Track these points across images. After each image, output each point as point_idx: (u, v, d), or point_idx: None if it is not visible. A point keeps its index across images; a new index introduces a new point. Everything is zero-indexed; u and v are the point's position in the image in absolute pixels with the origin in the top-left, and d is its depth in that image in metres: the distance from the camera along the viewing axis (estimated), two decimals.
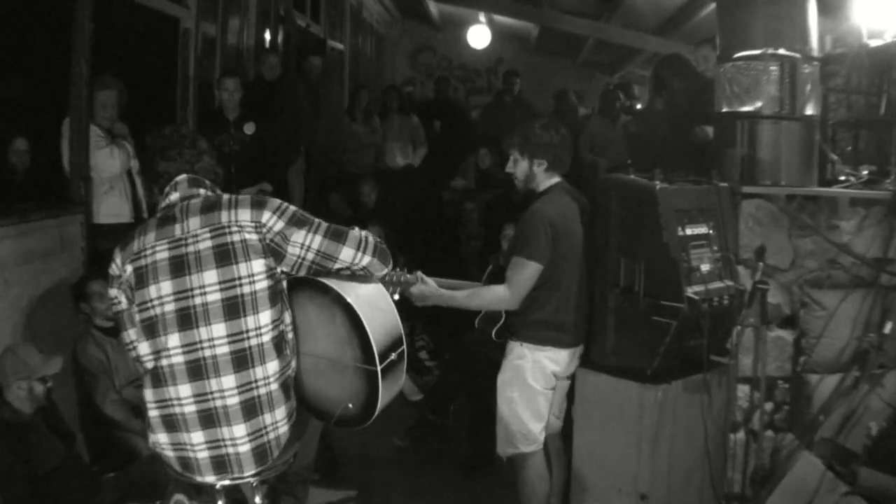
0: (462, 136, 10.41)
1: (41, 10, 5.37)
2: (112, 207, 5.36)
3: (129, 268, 3.02)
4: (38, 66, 5.44)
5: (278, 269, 3.00)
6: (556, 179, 4.18)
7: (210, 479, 3.00)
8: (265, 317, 2.96)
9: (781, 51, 4.35)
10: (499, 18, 14.01)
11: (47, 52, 5.31)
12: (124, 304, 3.07)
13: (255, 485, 3.12)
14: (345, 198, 8.71)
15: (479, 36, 14.89)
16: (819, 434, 4.41)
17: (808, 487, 4.16)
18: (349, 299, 3.01)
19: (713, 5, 5.29)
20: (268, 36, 8.76)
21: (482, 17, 14.55)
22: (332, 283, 3.05)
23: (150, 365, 3.01)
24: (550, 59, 15.36)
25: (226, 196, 3.09)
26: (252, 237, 2.96)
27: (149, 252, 3.00)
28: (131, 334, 3.07)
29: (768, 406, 4.42)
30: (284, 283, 3.06)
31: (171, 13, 6.59)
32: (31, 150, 5.52)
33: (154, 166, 3.20)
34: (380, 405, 3.06)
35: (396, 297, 3.87)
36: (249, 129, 6.65)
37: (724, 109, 4.52)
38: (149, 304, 2.98)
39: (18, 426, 3.90)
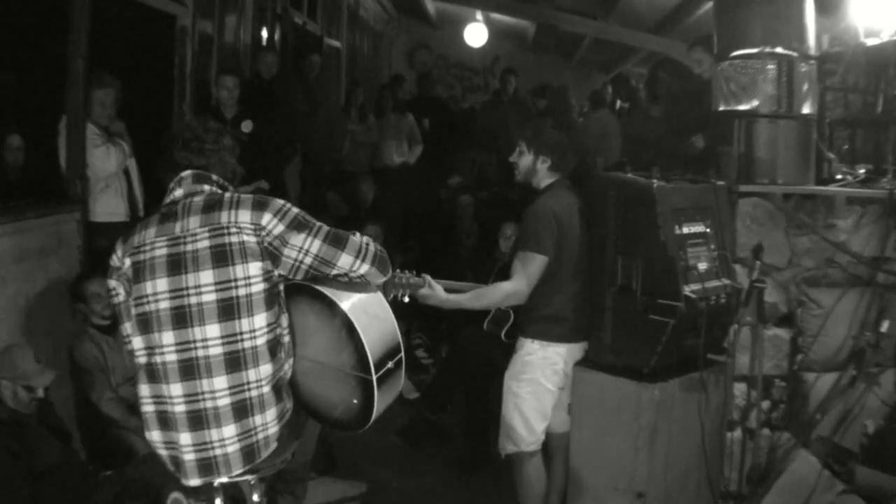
0: (450, 133, 10.40)
1: (38, 7, 5.37)
2: (108, 206, 5.36)
3: (128, 261, 3.02)
4: (35, 63, 5.44)
5: (275, 273, 2.98)
6: (557, 177, 4.19)
7: (194, 482, 2.99)
8: (260, 320, 2.94)
9: (779, 49, 4.35)
10: (496, 17, 14.01)
11: (44, 49, 5.30)
12: (122, 295, 3.07)
13: (252, 483, 3.12)
14: (342, 196, 8.70)
15: (476, 34, 14.88)
16: (816, 432, 4.42)
17: (804, 486, 4.16)
18: (344, 307, 3.00)
19: (710, 4, 5.30)
20: (265, 34, 8.74)
21: (479, 16, 14.54)
22: (328, 291, 3.03)
23: (143, 360, 3.00)
24: (547, 57, 15.36)
25: (227, 195, 3.06)
26: (250, 240, 2.93)
27: (147, 247, 3.00)
28: (128, 328, 3.07)
29: (765, 404, 4.43)
30: (282, 287, 3.05)
31: (167, 11, 6.58)
32: (28, 147, 5.52)
33: (173, 155, 3.17)
34: (375, 413, 3.05)
35: (406, 299, 3.86)
36: (247, 127, 6.63)
37: (722, 108, 4.52)
38: (144, 300, 2.98)
39: (14, 424, 3.90)
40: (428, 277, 3.99)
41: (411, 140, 9.77)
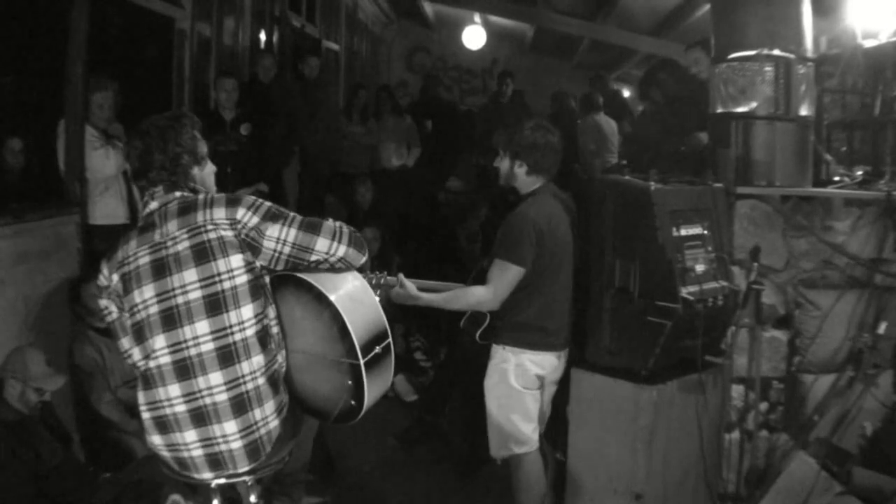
0: (454, 135, 10.40)
1: (37, 10, 5.38)
2: (107, 208, 5.36)
3: (116, 276, 3.05)
4: (34, 66, 5.44)
5: (257, 264, 3.01)
6: (541, 182, 4.16)
7: (207, 475, 3.01)
8: (247, 311, 2.97)
9: (776, 51, 4.35)
10: (494, 19, 14.01)
11: (43, 52, 5.31)
12: (115, 313, 3.09)
13: (249, 484, 3.12)
14: (340, 198, 8.70)
15: (474, 36, 14.89)
16: (814, 434, 4.42)
17: (802, 487, 4.17)
18: (330, 296, 3.02)
19: (708, 6, 5.29)
20: (263, 37, 8.76)
21: (477, 18, 14.55)
22: (314, 280, 3.06)
23: (142, 369, 3.03)
24: (545, 59, 15.37)
25: (201, 196, 3.11)
26: (228, 233, 2.98)
27: (132, 259, 3.03)
28: (125, 343, 3.09)
29: (763, 406, 4.43)
30: (267, 278, 3.08)
31: (166, 14, 6.59)
32: (27, 150, 5.53)
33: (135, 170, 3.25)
34: (367, 399, 3.06)
35: (377, 299, 3.84)
36: (245, 129, 6.65)
37: (719, 110, 4.53)
38: (135, 310, 3.01)
39: (18, 426, 3.91)
40: (401, 276, 3.94)
41: (410, 143, 9.78)
